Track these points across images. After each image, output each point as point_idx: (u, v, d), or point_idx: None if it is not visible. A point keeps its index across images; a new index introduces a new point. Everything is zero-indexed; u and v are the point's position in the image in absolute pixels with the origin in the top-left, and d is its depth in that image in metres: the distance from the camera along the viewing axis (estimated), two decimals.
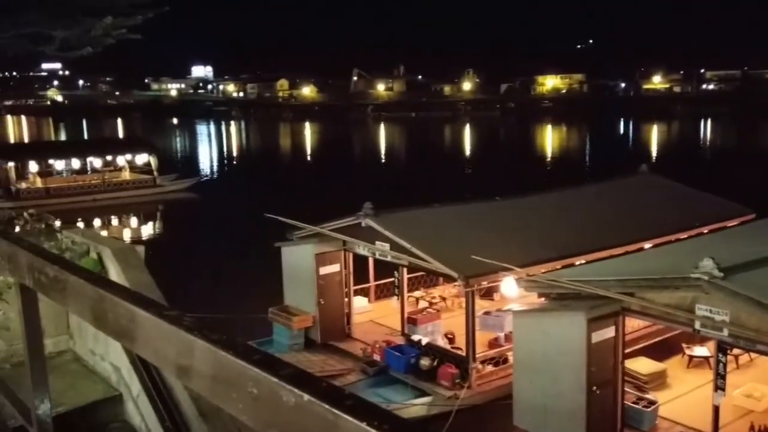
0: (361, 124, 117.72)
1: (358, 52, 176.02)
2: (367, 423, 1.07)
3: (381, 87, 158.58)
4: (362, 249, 14.76)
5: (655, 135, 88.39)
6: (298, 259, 15.31)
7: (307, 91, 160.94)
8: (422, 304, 16.39)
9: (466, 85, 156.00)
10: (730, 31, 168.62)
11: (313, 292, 14.92)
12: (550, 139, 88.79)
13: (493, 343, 13.63)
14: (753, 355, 11.83)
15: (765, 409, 10.72)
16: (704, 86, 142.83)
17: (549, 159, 65.20)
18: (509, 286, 12.79)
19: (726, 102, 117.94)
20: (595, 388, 9.83)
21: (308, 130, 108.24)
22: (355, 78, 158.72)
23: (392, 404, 11.96)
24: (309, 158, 70.90)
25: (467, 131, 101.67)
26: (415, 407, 12.12)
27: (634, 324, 12.52)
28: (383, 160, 66.87)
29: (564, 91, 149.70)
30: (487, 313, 14.74)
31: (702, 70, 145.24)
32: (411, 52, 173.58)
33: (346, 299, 15.44)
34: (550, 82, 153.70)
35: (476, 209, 15.98)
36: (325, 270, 14.99)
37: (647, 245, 14.25)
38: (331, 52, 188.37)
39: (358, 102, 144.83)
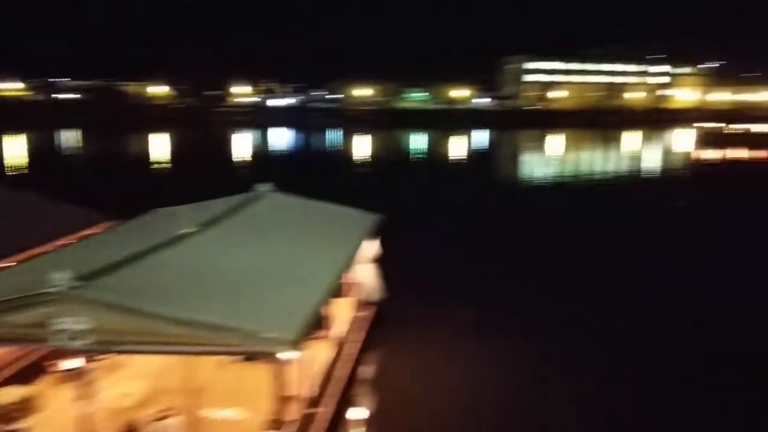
0: None
1: None
2: None
3: None
4: None
5: (9, 144, 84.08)
6: None
7: None
8: None
9: None
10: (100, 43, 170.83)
11: None
12: None
13: None
14: (120, 356, 12.39)
15: (137, 403, 11.39)
16: (61, 95, 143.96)
17: None
18: None
19: (85, 111, 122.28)
20: None
21: None
22: None
23: None
24: None
25: None
26: None
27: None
28: None
29: None
30: None
31: (64, 79, 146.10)
32: None
33: None
34: None
35: None
36: None
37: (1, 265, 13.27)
38: None
39: None
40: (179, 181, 51.31)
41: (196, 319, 8.77)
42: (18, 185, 19.69)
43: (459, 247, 27.64)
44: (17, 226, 15.56)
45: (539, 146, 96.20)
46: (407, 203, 38.23)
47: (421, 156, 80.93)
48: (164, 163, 68.21)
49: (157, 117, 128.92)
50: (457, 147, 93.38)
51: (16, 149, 78.38)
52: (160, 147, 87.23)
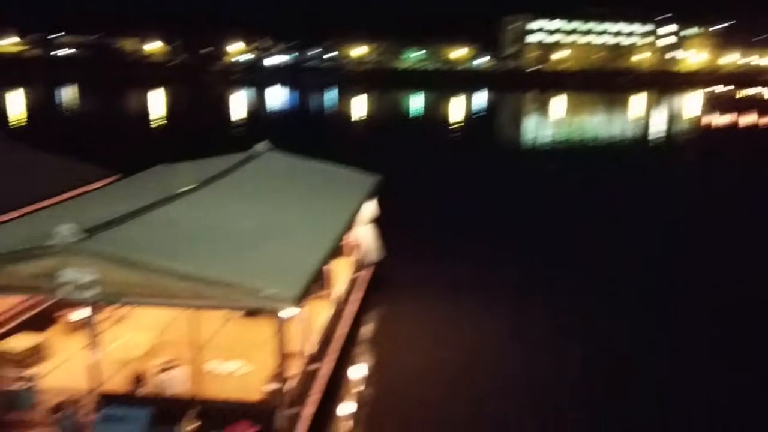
0: None
1: None
2: None
3: None
4: None
5: (11, 100, 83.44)
6: None
7: None
8: None
9: None
10: None
11: None
12: None
13: None
14: (128, 307, 12.68)
15: (143, 354, 11.68)
16: (60, 52, 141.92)
17: None
18: None
19: (81, 67, 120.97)
20: None
21: None
22: None
23: None
24: None
25: None
26: None
27: (10, 301, 11.86)
28: None
29: None
30: None
31: (59, 34, 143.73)
32: None
33: None
34: None
35: None
36: None
37: (12, 216, 13.48)
38: None
39: None
40: (178, 138, 51.14)
41: (199, 274, 8.93)
42: (22, 140, 19.72)
43: (458, 210, 27.84)
44: (24, 180, 15.73)
45: (541, 109, 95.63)
46: (404, 164, 38.27)
47: (419, 117, 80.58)
48: (162, 120, 67.88)
49: (152, 74, 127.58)
50: (456, 108, 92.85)
51: (17, 105, 77.78)
52: (157, 104, 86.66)
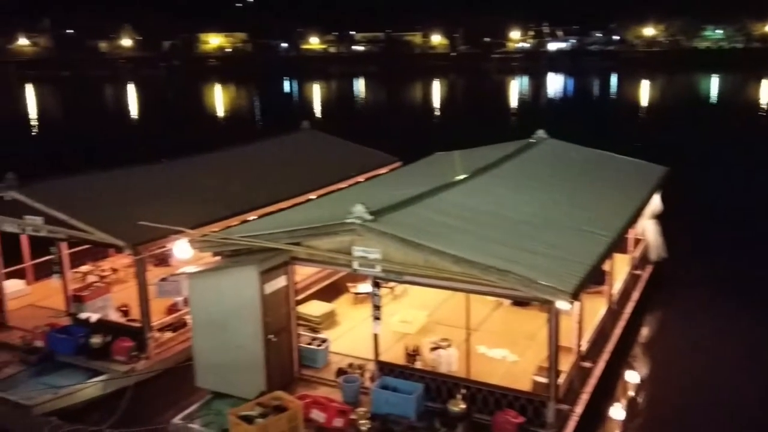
0: (3, 85, 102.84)
1: None
2: None
3: (23, 42, 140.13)
4: (9, 226, 13.02)
5: (315, 93, 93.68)
6: None
7: None
8: (91, 279, 15.26)
9: (125, 42, 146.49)
10: None
11: None
12: (218, 98, 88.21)
13: (172, 309, 13.38)
14: (405, 285, 13.49)
15: (416, 330, 12.35)
16: (355, 47, 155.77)
17: (218, 118, 64.91)
18: (182, 248, 12.51)
19: (373, 62, 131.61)
20: (271, 336, 10.26)
21: None
22: None
23: (62, 390, 11.00)
24: None
25: (131, 91, 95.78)
26: (89, 389, 11.30)
27: (306, 271, 13.37)
28: (32, 126, 59.47)
29: (229, 50, 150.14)
30: (163, 279, 14.37)
31: (353, 33, 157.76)
32: (59, 3, 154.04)
33: None
34: (214, 41, 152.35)
35: (142, 173, 15.23)
36: None
37: (312, 196, 15.20)
38: None
39: None
40: (457, 126, 52.87)
41: (475, 259, 9.07)
42: (323, 129, 22.12)
43: (751, 208, 24.52)
44: (325, 164, 17.67)
45: None
46: (695, 155, 34.74)
47: (716, 102, 72.40)
48: (443, 108, 70.74)
49: (437, 65, 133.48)
50: (762, 92, 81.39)
51: (320, 97, 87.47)
52: (439, 94, 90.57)
